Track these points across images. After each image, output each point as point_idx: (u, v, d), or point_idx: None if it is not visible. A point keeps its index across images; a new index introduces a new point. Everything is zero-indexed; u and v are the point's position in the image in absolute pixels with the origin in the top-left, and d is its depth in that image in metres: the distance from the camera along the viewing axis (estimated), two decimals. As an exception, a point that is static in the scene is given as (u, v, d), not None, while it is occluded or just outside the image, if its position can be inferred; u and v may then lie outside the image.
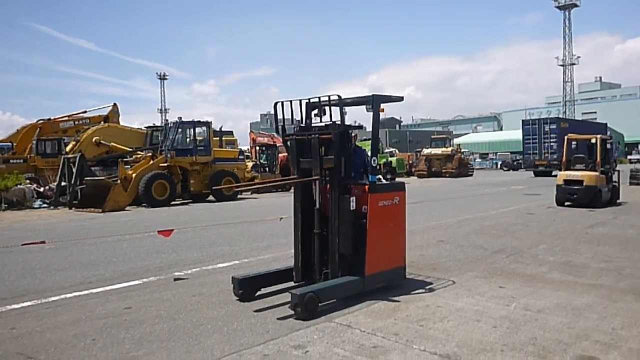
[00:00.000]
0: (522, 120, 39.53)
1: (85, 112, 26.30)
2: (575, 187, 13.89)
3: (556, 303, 5.13)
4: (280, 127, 5.80)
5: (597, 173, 13.89)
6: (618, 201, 14.85)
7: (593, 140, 14.80)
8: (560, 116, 70.53)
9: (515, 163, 50.68)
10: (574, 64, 70.21)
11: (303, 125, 5.90)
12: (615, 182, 15.02)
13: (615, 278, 6.18)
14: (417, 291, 5.64)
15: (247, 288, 5.47)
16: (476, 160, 56.31)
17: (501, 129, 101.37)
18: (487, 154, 63.63)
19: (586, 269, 6.67)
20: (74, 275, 6.93)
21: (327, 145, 5.41)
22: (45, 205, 18.15)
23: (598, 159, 14.14)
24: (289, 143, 5.83)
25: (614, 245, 8.29)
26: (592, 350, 3.89)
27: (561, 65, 70.80)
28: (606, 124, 45.53)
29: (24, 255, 8.25)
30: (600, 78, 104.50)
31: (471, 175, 37.53)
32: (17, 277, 6.87)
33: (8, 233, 11.53)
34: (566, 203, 14.14)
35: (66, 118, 25.74)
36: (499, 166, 53.57)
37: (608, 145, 14.88)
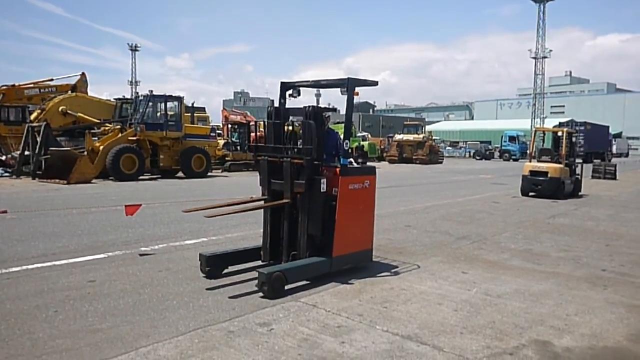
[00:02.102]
0: (559, 122, 46.67)
1: (52, 79, 25.42)
2: (540, 178, 14.25)
3: (515, 289, 5.31)
4: (254, 146, 5.77)
5: (561, 165, 14.28)
6: (580, 193, 15.32)
7: (560, 134, 15.19)
8: (530, 108, 72.07)
9: (487, 152, 51.19)
10: (545, 57, 71.14)
11: (277, 106, 5.87)
12: (578, 174, 15.48)
13: (572, 267, 6.41)
14: (382, 274, 5.74)
15: (215, 265, 5.47)
16: (447, 148, 56.89)
17: (472, 118, 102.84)
18: (458, 142, 64.53)
19: (546, 257, 6.90)
20: (37, 246, 6.79)
21: (299, 169, 5.38)
22: (7, 174, 17.63)
23: (563, 151, 14.53)
24: (260, 162, 5.76)
25: (573, 236, 8.58)
26: (546, 335, 4.05)
27: (533, 58, 71.75)
28: (608, 126, 52.45)
29: (-16, 224, 8.03)
30: (570, 72, 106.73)
31: (441, 162, 38.03)
32: (-23, 247, 6.69)
33: (-33, 201, 11.17)
34: (530, 193, 14.51)
35: (32, 85, 24.83)
36: (471, 155, 54.03)
37: (573, 139, 15.27)
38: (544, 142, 18.45)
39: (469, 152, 56.03)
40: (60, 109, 21.15)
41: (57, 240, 7.21)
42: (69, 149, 17.65)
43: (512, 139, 48.34)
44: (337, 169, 5.47)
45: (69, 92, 23.75)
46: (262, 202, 5.77)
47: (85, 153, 16.89)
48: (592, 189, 17.15)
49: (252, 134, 5.83)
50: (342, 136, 5.69)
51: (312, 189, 5.34)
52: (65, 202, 11.25)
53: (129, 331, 3.91)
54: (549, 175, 14.13)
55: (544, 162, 14.66)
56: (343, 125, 5.75)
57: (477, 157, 50.58)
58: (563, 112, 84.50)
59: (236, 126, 26.82)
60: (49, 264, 5.91)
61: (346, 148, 5.56)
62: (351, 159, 5.96)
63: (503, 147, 48.82)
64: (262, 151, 5.75)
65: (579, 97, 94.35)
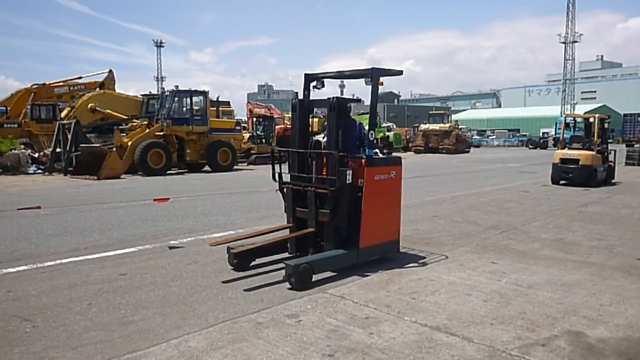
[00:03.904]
0: (623, 114, 54.71)
1: (80, 77, 25.99)
2: (571, 166, 13.92)
3: (546, 279, 5.21)
4: (277, 174, 5.79)
5: (593, 152, 13.91)
6: (613, 181, 14.92)
7: (591, 120, 14.79)
8: (560, 94, 70.39)
9: (542, 141, 49.42)
10: (576, 41, 69.26)
11: (301, 99, 5.86)
12: (611, 161, 15.07)
13: (606, 256, 6.25)
14: (410, 264, 5.70)
15: (242, 258, 5.51)
16: (474, 137, 55.64)
17: (500, 106, 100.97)
18: (485, 130, 63.43)
19: (578, 247, 6.75)
20: (69, 241, 6.96)
21: (322, 199, 5.36)
22: (39, 171, 18.11)
23: (595, 138, 14.15)
24: (285, 190, 5.78)
25: (606, 224, 8.36)
26: (579, 326, 3.96)
27: (563, 42, 69.83)
28: None
29: (19, 220, 8.27)
30: (602, 57, 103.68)
31: (468, 151, 37.55)
32: (13, 242, 6.89)
33: (3, 198, 11.52)
34: (561, 182, 14.20)
35: (61, 83, 25.44)
36: (524, 144, 51.99)
37: (606, 125, 14.87)
38: (574, 129, 18.05)
39: (522, 141, 54.07)
40: (89, 106, 21.60)
41: (88, 234, 7.38)
42: (98, 145, 18.03)
43: (567, 125, 46.68)
44: (363, 160, 5.43)
45: (97, 89, 24.24)
46: (287, 232, 5.78)
47: (114, 149, 17.21)
48: (626, 176, 16.69)
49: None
50: (366, 127, 5.64)
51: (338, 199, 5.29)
52: (95, 197, 11.50)
53: (160, 323, 3.97)
54: (580, 162, 13.78)
55: (575, 149, 14.32)
56: (368, 115, 5.71)
57: (531, 146, 49.07)
58: (594, 98, 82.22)
59: (261, 119, 26.97)
60: (81, 258, 6.05)
61: (371, 139, 5.52)
62: (376, 150, 5.92)
63: (557, 135, 47.40)
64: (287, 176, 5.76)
65: (610, 82, 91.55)
